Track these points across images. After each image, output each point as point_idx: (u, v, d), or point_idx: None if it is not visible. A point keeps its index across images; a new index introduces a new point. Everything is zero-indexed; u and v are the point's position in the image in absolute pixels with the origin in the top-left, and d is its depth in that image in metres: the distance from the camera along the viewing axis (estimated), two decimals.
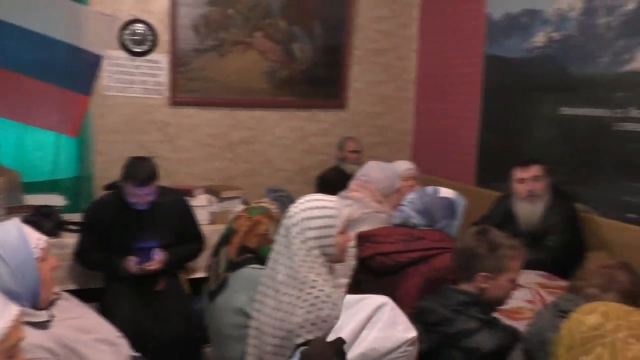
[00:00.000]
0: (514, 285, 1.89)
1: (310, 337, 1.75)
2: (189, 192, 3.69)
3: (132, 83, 4.23)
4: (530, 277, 2.80)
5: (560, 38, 3.52)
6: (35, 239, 1.79)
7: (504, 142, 3.97)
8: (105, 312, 2.75)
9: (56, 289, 1.89)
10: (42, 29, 3.49)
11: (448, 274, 2.04)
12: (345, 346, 1.57)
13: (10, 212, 3.29)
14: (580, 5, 3.38)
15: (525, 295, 2.54)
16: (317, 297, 1.83)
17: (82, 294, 3.00)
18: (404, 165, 3.54)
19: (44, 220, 3.24)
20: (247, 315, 2.13)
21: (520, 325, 2.01)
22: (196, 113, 4.43)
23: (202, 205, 3.73)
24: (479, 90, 4.18)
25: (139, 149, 4.19)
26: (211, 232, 3.30)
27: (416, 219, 2.36)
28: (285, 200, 2.82)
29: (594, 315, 1.18)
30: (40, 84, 3.54)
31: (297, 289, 1.88)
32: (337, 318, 1.77)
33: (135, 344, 2.59)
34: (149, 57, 4.24)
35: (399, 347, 1.54)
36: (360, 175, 3.10)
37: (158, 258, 2.94)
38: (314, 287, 1.86)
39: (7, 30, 3.42)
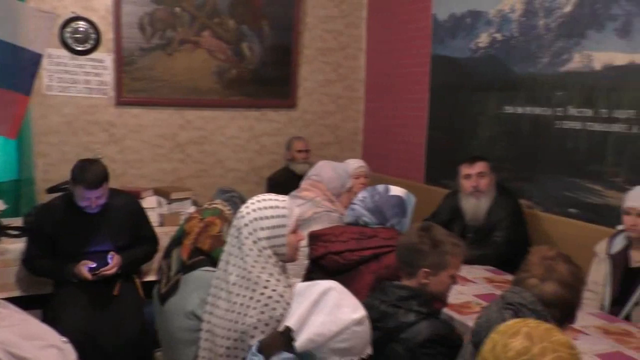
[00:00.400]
0: (454, 280, 1.94)
1: (264, 337, 1.74)
2: (137, 194, 3.61)
3: (75, 82, 4.11)
4: (478, 272, 2.88)
5: (503, 39, 3.64)
6: None
7: (452, 140, 4.06)
8: (54, 318, 2.68)
9: None
10: None
11: (399, 271, 2.07)
12: (293, 333, 1.57)
13: None
14: (520, 7, 3.50)
15: (474, 290, 2.61)
16: (270, 297, 1.83)
17: (24, 301, 2.91)
18: (355, 164, 3.57)
19: None
20: (199, 319, 2.11)
21: (469, 320, 2.06)
22: (143, 113, 4.34)
23: (151, 207, 3.67)
24: (427, 90, 4.26)
25: (83, 151, 4.08)
26: (161, 234, 3.27)
27: (367, 218, 2.38)
28: (237, 200, 2.79)
29: (519, 339, 1.16)
30: None
31: (249, 289, 1.87)
32: None
33: (87, 349, 2.53)
34: (92, 55, 4.12)
35: (346, 328, 1.55)
36: (312, 174, 3.11)
37: (115, 262, 2.87)
38: (266, 287, 1.86)
39: None
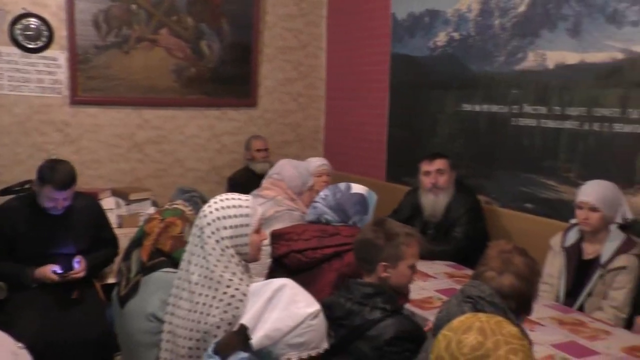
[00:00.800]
0: (414, 271, 1.97)
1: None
2: (95, 195, 3.53)
3: (27, 81, 3.98)
4: (438, 268, 2.93)
5: (460, 38, 3.70)
6: None
7: (412, 138, 4.12)
8: (8, 322, 2.61)
9: None
10: None
11: (360, 268, 2.09)
12: (248, 331, 1.56)
13: None
14: (477, 7, 3.57)
15: (435, 285, 2.65)
16: (232, 296, 1.82)
17: None
18: (317, 162, 3.57)
19: None
20: (160, 321, 2.08)
21: (431, 315, 2.09)
22: (99, 112, 4.24)
23: (110, 209, 3.60)
24: (387, 88, 4.30)
25: (36, 151, 3.98)
26: (120, 236, 3.23)
27: (329, 215, 2.39)
28: (197, 200, 2.76)
29: (472, 334, 1.17)
30: None
31: (212, 289, 1.86)
32: None
33: (45, 354, 2.47)
34: (44, 53, 4.01)
35: (302, 322, 1.55)
36: (273, 173, 3.10)
37: (82, 266, 2.82)
38: (229, 287, 1.84)
39: None
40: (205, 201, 2.13)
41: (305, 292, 1.65)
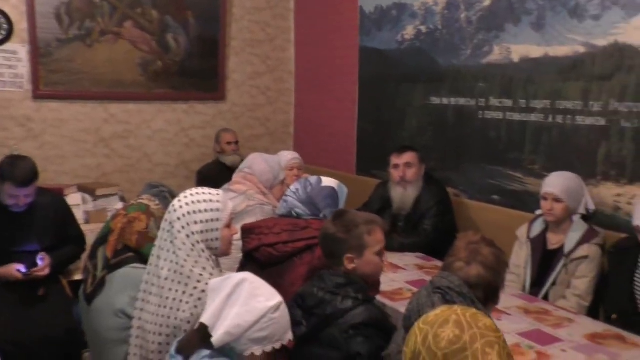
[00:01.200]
0: (383, 256, 1.98)
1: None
2: (60, 192, 3.46)
3: None
4: (408, 260, 2.96)
5: (428, 31, 3.74)
6: None
7: (381, 131, 4.14)
8: None
9: None
10: None
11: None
12: (209, 329, 1.56)
13: None
14: (443, 0, 3.60)
15: (405, 277, 2.68)
16: (203, 291, 1.81)
17: None
18: (288, 156, 3.57)
19: None
20: (129, 317, 2.05)
21: (401, 306, 2.11)
22: (63, 107, 4.14)
23: (76, 205, 3.53)
24: (356, 81, 4.31)
25: None
26: (87, 232, 3.19)
27: (300, 209, 2.39)
28: (166, 195, 2.73)
29: (449, 328, 1.18)
30: None
31: (182, 284, 1.84)
32: None
33: (11, 352, 2.43)
34: (4, 47, 3.89)
35: (263, 316, 1.54)
36: (243, 167, 3.08)
37: (46, 263, 2.77)
38: (199, 282, 1.83)
39: None
40: (174, 196, 2.11)
41: (266, 285, 1.64)
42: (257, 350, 1.55)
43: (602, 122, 2.78)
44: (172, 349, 1.62)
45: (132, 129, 4.41)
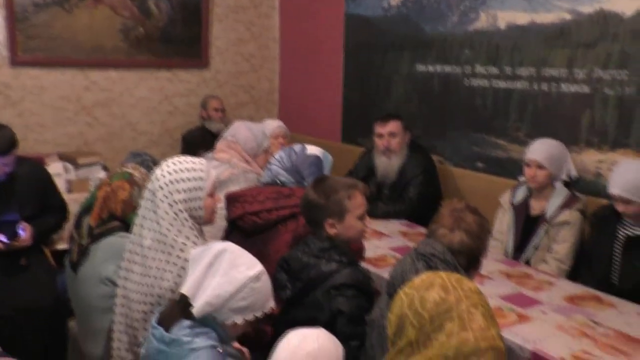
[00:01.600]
0: (364, 220, 1.99)
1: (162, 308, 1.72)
2: (41, 160, 3.41)
3: None
4: (393, 227, 2.98)
5: None
6: None
7: (367, 99, 4.12)
8: None
9: None
10: None
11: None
12: (190, 299, 1.56)
13: None
14: None
15: (389, 244, 2.70)
16: (186, 260, 1.80)
17: None
18: (274, 124, 3.54)
19: None
20: (115, 285, 2.05)
21: (385, 272, 2.14)
22: (42, 74, 4.06)
23: (57, 174, 3.48)
24: (342, 49, 4.27)
25: None
26: (70, 201, 3.14)
27: (284, 177, 2.39)
28: (149, 164, 2.70)
29: (434, 290, 1.20)
30: None
31: (165, 253, 1.84)
32: None
33: None
34: None
35: (243, 286, 1.55)
36: (227, 135, 3.06)
37: (27, 233, 2.73)
38: (182, 251, 1.83)
39: None
40: (157, 164, 2.09)
41: (247, 254, 1.64)
42: (239, 319, 1.56)
43: (586, 89, 2.79)
44: (154, 320, 1.62)
45: (114, 96, 4.34)
